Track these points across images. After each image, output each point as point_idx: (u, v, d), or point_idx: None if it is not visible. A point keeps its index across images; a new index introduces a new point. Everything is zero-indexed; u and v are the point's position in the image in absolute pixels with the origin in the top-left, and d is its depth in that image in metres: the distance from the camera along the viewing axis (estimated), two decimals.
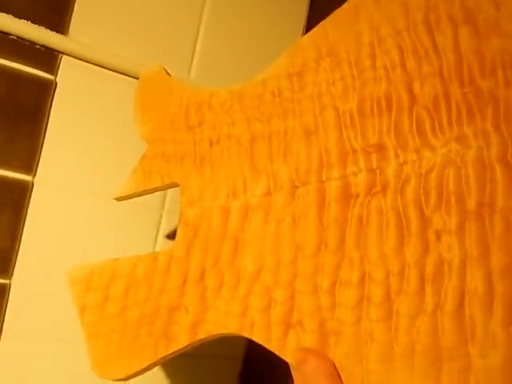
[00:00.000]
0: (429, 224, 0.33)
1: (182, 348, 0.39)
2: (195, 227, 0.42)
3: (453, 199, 0.33)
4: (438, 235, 0.32)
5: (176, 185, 0.44)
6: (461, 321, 0.30)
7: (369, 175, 0.36)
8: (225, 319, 0.38)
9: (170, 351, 0.39)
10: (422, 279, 0.32)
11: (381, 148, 0.36)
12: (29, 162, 0.53)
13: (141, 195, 0.46)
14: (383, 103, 0.37)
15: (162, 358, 0.39)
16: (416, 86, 0.36)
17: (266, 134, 0.41)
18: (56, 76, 0.53)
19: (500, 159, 0.32)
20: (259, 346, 0.36)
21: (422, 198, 0.34)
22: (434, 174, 0.34)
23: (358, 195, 0.36)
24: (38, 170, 0.54)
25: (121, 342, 0.41)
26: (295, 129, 0.40)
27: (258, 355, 0.56)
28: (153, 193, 0.45)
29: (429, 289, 0.32)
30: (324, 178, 0.38)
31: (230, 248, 0.39)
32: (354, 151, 0.37)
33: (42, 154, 0.54)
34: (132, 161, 0.46)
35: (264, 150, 0.41)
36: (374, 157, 0.36)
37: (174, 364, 0.55)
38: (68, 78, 0.54)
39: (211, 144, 0.44)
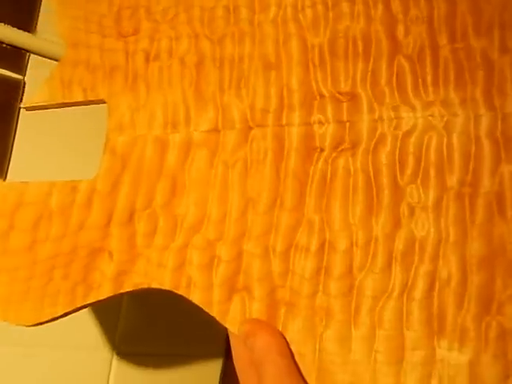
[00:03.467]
0: (402, 195, 0.30)
1: (103, 299, 0.34)
2: (124, 158, 0.36)
3: (432, 171, 0.30)
4: (412, 210, 0.30)
5: (102, 102, 0.38)
6: (428, 310, 0.28)
7: (337, 128, 0.32)
8: (157, 272, 0.33)
9: (89, 301, 0.34)
10: (389, 257, 0.29)
11: (353, 98, 0.32)
12: None
13: (57, 107, 0.39)
14: (360, 45, 0.32)
15: (80, 307, 0.34)
16: (400, 30, 0.32)
17: (216, 57, 0.35)
18: (24, 75, 0.51)
19: (488, 135, 0.29)
20: None
21: (397, 165, 0.30)
22: (412, 139, 0.30)
23: (322, 149, 0.32)
24: (9, 170, 0.51)
25: (29, 282, 0.35)
26: (253, 57, 0.34)
27: None
28: (72, 106, 0.38)
29: (396, 269, 0.29)
30: (284, 122, 0.33)
31: (167, 189, 0.34)
32: (322, 96, 0.32)
33: (13, 155, 0.51)
34: None
35: (213, 76, 0.35)
36: (344, 107, 0.32)
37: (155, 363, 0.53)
38: (37, 76, 0.51)
39: (147, 59, 0.37)
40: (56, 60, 0.50)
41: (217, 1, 0.36)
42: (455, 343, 0.28)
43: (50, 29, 0.52)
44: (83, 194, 0.36)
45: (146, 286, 0.34)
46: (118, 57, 0.37)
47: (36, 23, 0.52)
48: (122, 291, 0.34)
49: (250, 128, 0.33)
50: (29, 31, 0.51)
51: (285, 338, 0.30)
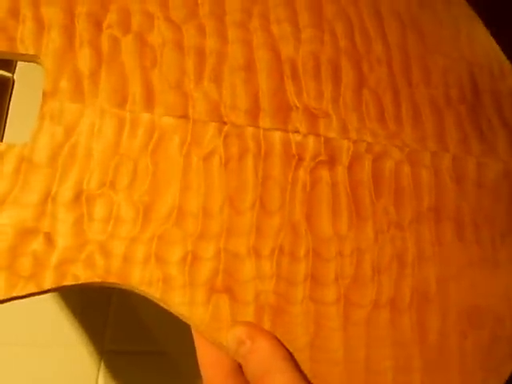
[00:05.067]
0: (378, 212, 0.32)
1: (39, 292, 0.26)
2: (68, 128, 0.29)
3: (402, 194, 0.33)
4: (388, 226, 0.31)
5: (34, 59, 0.31)
6: (411, 319, 0.30)
7: (314, 139, 0.32)
8: (113, 265, 0.28)
9: (17, 293, 0.26)
10: (372, 268, 0.31)
11: (327, 116, 0.33)
12: None
13: None
14: (329, 70, 0.34)
15: (2, 300, 0.26)
16: (365, 66, 0.35)
17: (182, 45, 0.33)
18: (13, 73, 0.49)
19: (446, 169, 0.33)
20: None
21: (372, 185, 0.32)
22: (382, 163, 0.33)
23: (301, 158, 0.32)
24: None
25: None
26: (223, 55, 0.33)
27: None
28: None
29: (379, 280, 0.30)
30: (260, 124, 0.32)
31: (126, 172, 0.29)
32: (297, 108, 0.33)
33: None
34: None
35: (178, 63, 0.32)
36: (319, 121, 0.33)
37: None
38: (26, 75, 0.49)
39: (99, 27, 0.32)
40: None
41: None
42: (436, 354, 0.30)
43: None
44: (8, 161, 0.28)
45: (97, 280, 0.27)
46: (59, 14, 0.31)
47: None
48: (65, 284, 0.27)
49: (224, 123, 0.32)
50: None
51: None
